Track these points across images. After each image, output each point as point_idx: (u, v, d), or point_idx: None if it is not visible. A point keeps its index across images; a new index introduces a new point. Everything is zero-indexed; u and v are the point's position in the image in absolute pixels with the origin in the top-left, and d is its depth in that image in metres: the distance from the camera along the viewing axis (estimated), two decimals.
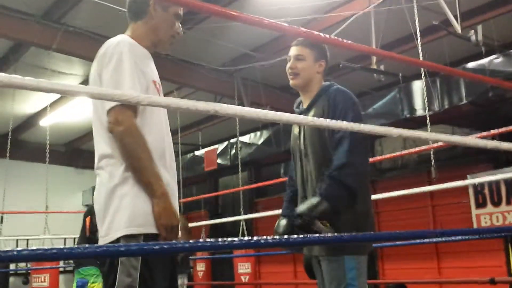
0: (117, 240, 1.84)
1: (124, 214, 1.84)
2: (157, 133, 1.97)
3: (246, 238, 1.63)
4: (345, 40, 2.15)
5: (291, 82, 2.57)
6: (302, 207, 2.25)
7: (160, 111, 2.03)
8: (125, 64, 1.91)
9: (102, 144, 1.97)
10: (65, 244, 11.91)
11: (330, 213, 2.22)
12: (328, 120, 1.95)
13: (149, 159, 1.86)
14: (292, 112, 2.50)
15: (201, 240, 1.48)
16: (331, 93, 2.44)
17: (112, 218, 1.87)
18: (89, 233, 5.22)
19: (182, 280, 6.37)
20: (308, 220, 2.19)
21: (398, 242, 3.81)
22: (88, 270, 5.29)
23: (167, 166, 1.99)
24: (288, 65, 2.56)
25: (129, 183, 1.87)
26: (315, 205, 2.21)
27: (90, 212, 5.39)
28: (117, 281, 1.81)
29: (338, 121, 1.92)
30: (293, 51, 2.55)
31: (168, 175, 1.98)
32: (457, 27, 5.86)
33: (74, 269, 5.63)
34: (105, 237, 1.88)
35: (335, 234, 2.17)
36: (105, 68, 1.94)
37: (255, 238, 1.58)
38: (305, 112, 2.53)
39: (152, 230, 1.85)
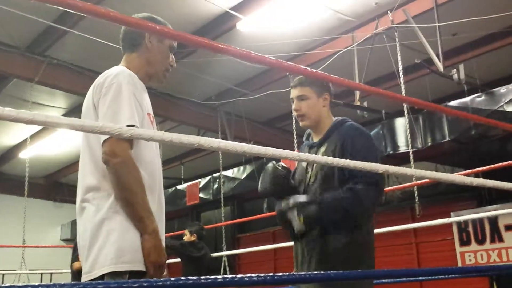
0: (101, 277, 1.75)
1: (111, 250, 1.75)
2: (150, 167, 1.92)
3: (230, 275, 1.57)
4: (331, 75, 2.14)
5: (301, 124, 2.50)
6: (297, 199, 2.27)
7: (153, 145, 1.98)
8: (124, 95, 1.86)
9: (89, 176, 1.89)
10: (41, 280, 11.59)
11: (314, 218, 2.22)
12: (328, 157, 1.92)
13: (143, 194, 1.79)
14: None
15: (182, 278, 1.42)
16: (346, 130, 2.38)
17: (97, 254, 1.77)
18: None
19: None
20: (290, 208, 2.24)
21: (383, 280, 3.75)
22: None
23: (157, 201, 1.92)
24: (293, 107, 2.49)
25: (117, 217, 1.79)
26: (306, 203, 2.23)
27: None
28: None
29: (332, 157, 1.90)
30: (294, 93, 2.49)
31: (158, 211, 1.91)
32: (440, 66, 5.96)
33: None
34: (88, 274, 1.78)
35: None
36: (103, 98, 1.88)
37: (239, 275, 1.53)
38: (317, 146, 2.45)
39: (139, 267, 1.76)
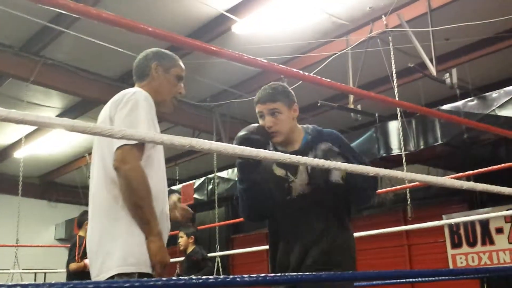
0: (111, 278, 1.84)
1: (118, 253, 1.86)
2: (157, 177, 2.03)
3: (222, 276, 1.60)
4: (324, 79, 2.17)
5: (273, 140, 2.29)
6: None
7: (160, 156, 2.11)
8: (140, 109, 1.97)
9: (98, 184, 2.00)
10: (35, 279, 11.56)
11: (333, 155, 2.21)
12: (311, 158, 1.94)
13: (150, 199, 1.90)
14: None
15: (174, 277, 1.45)
16: (329, 134, 2.36)
17: (105, 258, 1.88)
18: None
19: None
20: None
21: (374, 282, 3.78)
22: None
23: (160, 208, 2.02)
24: (265, 123, 2.28)
25: (123, 222, 1.89)
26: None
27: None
28: None
29: (322, 160, 1.92)
30: (263, 107, 2.29)
31: (161, 217, 2.00)
32: (433, 70, 6.01)
33: None
34: (96, 277, 1.88)
35: None
36: (119, 112, 1.99)
37: (231, 276, 1.55)
38: (301, 154, 2.16)
39: (145, 269, 1.86)
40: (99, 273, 1.88)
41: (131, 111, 1.96)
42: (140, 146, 1.92)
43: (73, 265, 5.41)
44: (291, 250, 2.24)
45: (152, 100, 2.13)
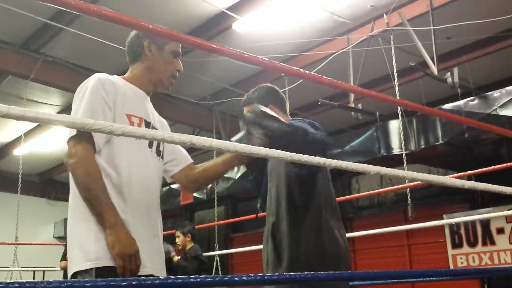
0: (74, 275, 1.84)
1: (77, 250, 1.85)
2: (124, 166, 1.94)
3: (220, 275, 1.58)
4: (325, 77, 2.15)
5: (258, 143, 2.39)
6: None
7: (135, 145, 1.98)
8: (85, 98, 1.92)
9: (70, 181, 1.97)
10: (34, 277, 11.55)
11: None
12: (309, 156, 1.92)
13: (102, 190, 1.84)
14: None
15: (172, 277, 1.43)
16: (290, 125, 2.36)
17: (71, 255, 1.89)
18: None
19: None
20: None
21: (374, 282, 3.77)
22: None
23: (128, 200, 1.93)
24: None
25: (81, 218, 1.87)
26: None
27: None
28: None
29: (315, 157, 1.90)
30: (244, 110, 2.52)
31: (130, 209, 1.92)
32: (434, 69, 5.99)
33: None
34: (68, 274, 1.89)
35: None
36: (73, 104, 1.98)
37: (229, 275, 1.54)
38: None
39: (106, 263, 1.81)
40: (70, 271, 1.86)
41: (79, 103, 1.93)
42: (89, 136, 1.85)
43: (63, 263, 5.46)
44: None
45: (146, 81, 2.11)
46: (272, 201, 2.38)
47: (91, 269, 1.80)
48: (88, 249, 1.83)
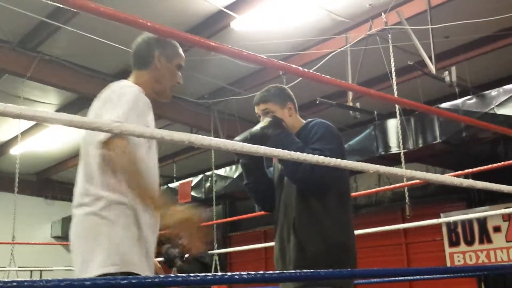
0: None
1: (101, 253, 1.79)
2: (143, 165, 1.93)
3: (219, 273, 1.58)
4: (324, 75, 2.15)
5: None
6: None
7: (151, 155, 2.04)
8: (126, 102, 1.91)
9: (81, 182, 1.94)
10: (31, 277, 11.53)
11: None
12: (308, 155, 1.92)
13: (146, 177, 1.85)
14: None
15: (172, 274, 1.42)
16: (312, 125, 2.40)
17: (86, 257, 1.81)
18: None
19: None
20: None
21: (372, 280, 3.77)
22: None
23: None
24: None
25: (107, 220, 1.83)
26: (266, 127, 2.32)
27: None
28: None
29: (315, 155, 1.90)
30: (258, 109, 2.52)
31: (150, 218, 1.93)
32: (432, 68, 5.99)
33: None
34: (79, 275, 1.82)
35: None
36: (105, 105, 1.94)
37: (228, 273, 1.53)
38: None
39: (129, 269, 1.79)
40: (80, 272, 1.82)
41: (116, 104, 1.90)
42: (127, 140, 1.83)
43: None
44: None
45: (150, 90, 2.10)
46: (293, 197, 2.33)
47: (116, 273, 1.77)
48: (112, 253, 1.80)
